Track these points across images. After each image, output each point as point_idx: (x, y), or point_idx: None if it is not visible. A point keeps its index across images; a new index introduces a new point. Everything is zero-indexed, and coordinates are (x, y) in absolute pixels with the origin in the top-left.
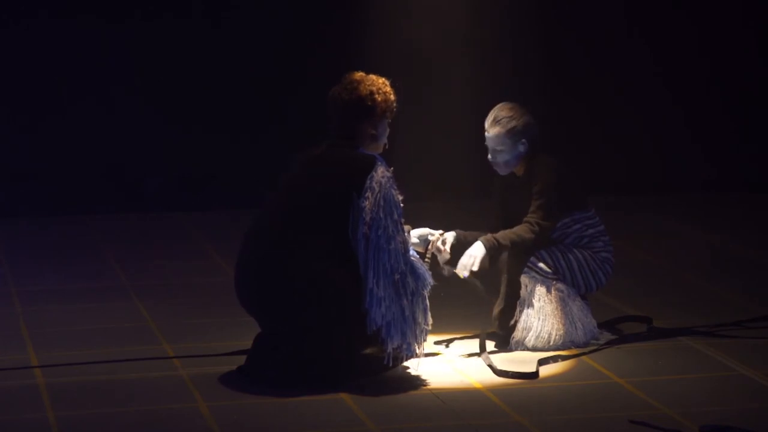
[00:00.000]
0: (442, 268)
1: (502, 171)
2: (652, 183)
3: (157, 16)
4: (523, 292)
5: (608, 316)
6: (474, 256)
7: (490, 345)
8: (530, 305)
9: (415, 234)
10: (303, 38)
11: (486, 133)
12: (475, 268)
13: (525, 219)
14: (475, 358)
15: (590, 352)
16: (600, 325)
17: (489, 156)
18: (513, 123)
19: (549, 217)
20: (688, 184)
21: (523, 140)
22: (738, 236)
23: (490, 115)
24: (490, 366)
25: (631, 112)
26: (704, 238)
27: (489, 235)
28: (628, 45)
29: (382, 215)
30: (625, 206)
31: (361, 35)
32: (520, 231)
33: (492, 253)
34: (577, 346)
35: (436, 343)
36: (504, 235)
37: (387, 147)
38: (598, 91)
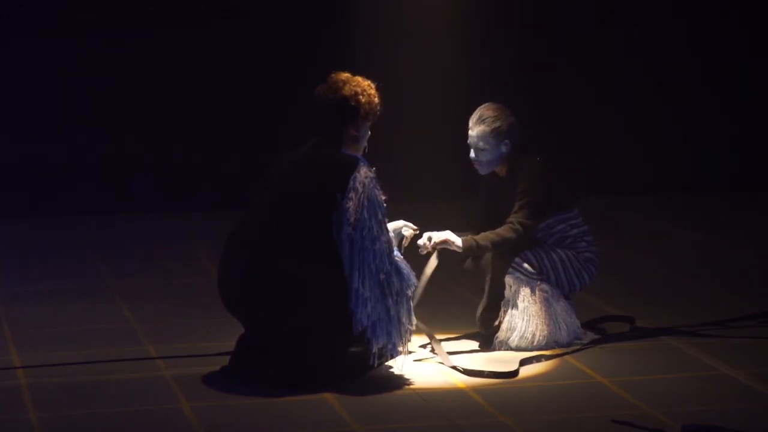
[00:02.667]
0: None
1: (483, 170)
2: (640, 183)
3: (155, 16)
4: (507, 292)
5: (592, 316)
6: (447, 238)
7: (472, 345)
8: (514, 306)
9: (389, 227)
10: (302, 39)
11: (469, 131)
12: (433, 239)
13: (508, 219)
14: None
15: (573, 351)
16: (583, 325)
17: (471, 154)
18: (498, 123)
19: (532, 217)
20: (676, 183)
21: (506, 141)
22: (725, 236)
23: (474, 113)
24: (455, 368)
25: (621, 112)
26: (691, 237)
27: (469, 236)
28: (618, 44)
29: (366, 216)
30: (613, 206)
31: (358, 36)
32: (502, 231)
33: (468, 254)
34: (561, 346)
35: (422, 346)
36: (484, 236)
37: (366, 150)
38: (591, 92)
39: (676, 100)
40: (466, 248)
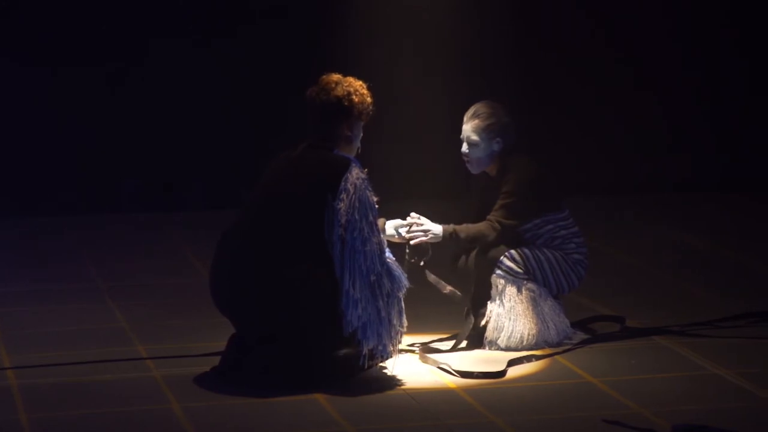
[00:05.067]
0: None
1: (474, 168)
2: (630, 183)
3: (152, 18)
4: (493, 292)
5: (582, 316)
6: (429, 230)
7: (461, 345)
8: (501, 305)
9: (390, 225)
10: (297, 39)
11: (463, 125)
12: (416, 239)
13: (487, 217)
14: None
15: (564, 351)
16: (573, 325)
17: (463, 148)
18: (492, 120)
19: (511, 217)
20: (665, 184)
21: (499, 139)
22: (716, 236)
23: (470, 109)
24: (446, 369)
25: (614, 113)
26: (682, 237)
27: (450, 226)
28: (611, 47)
29: (357, 217)
30: (603, 206)
31: (352, 37)
32: (482, 227)
33: (447, 242)
34: (551, 346)
35: (410, 345)
36: (465, 228)
37: (360, 151)
38: (582, 92)
39: (668, 100)
40: (446, 237)
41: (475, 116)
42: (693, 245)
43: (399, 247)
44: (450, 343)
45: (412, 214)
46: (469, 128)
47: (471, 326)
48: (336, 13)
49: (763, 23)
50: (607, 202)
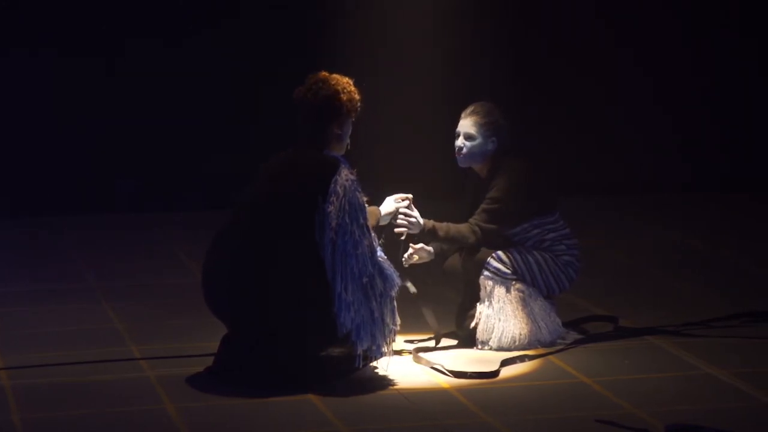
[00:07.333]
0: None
1: (464, 162)
2: (630, 183)
3: (146, 19)
4: (482, 293)
5: (576, 316)
6: (415, 219)
7: (454, 345)
8: (490, 306)
9: (385, 208)
10: (290, 39)
11: (461, 120)
12: (399, 228)
13: (469, 219)
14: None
15: (557, 351)
16: (566, 325)
17: (457, 142)
18: (490, 118)
19: (492, 222)
20: (665, 184)
21: (494, 138)
22: (711, 236)
23: (469, 107)
24: (439, 370)
25: (614, 113)
26: (676, 238)
27: (431, 221)
28: (611, 46)
29: (347, 220)
30: (603, 206)
31: (344, 36)
32: (462, 228)
33: (426, 238)
34: (544, 346)
35: (407, 341)
36: (445, 227)
37: (350, 147)
38: (584, 92)
39: (669, 100)
40: (426, 230)
41: (474, 113)
42: (693, 245)
43: (393, 247)
44: (444, 343)
45: (400, 200)
46: (468, 123)
47: (432, 316)
48: (335, 13)
49: (763, 23)
50: (607, 202)
